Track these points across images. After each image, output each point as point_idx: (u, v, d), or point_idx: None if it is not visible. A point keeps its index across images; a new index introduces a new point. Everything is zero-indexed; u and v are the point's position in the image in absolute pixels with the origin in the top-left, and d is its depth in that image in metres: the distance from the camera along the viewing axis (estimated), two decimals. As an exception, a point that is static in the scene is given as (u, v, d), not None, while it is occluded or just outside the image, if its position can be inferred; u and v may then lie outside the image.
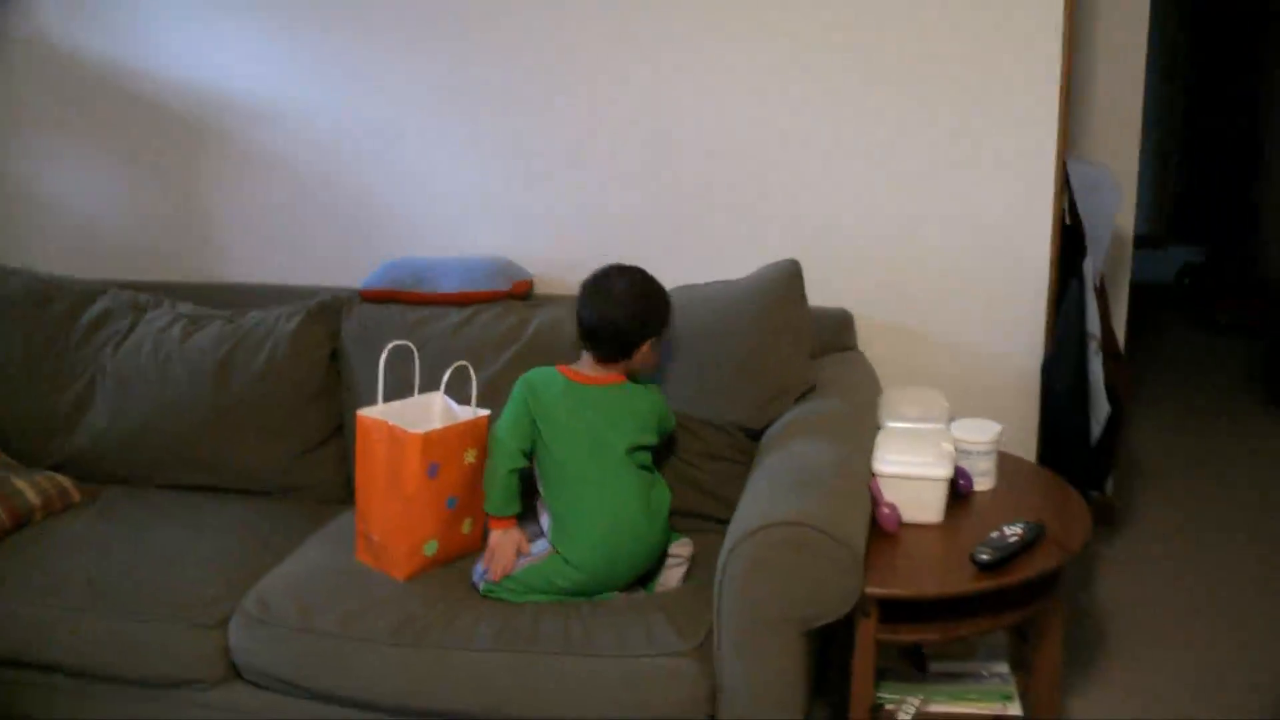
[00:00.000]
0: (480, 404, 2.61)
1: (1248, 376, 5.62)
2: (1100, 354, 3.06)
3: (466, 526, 2.54)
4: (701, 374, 2.67)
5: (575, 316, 2.52)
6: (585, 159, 3.17)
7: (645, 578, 2.48)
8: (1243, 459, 4.61)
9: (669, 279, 2.63)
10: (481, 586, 2.41)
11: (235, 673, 2.44)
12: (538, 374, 2.52)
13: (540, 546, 2.48)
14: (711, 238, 3.13)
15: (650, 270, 2.58)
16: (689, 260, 3.10)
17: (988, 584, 2.18)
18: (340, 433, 2.99)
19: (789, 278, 2.76)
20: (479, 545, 2.57)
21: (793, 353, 2.71)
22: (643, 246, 3.16)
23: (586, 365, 2.52)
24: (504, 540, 2.44)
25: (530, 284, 3.11)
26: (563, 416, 2.45)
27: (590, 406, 2.47)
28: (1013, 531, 2.27)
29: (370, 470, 2.48)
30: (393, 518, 2.43)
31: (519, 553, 2.46)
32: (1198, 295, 6.98)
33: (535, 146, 3.19)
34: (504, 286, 3.03)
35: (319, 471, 2.96)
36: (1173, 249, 8.35)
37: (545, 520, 2.48)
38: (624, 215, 3.17)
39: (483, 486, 2.48)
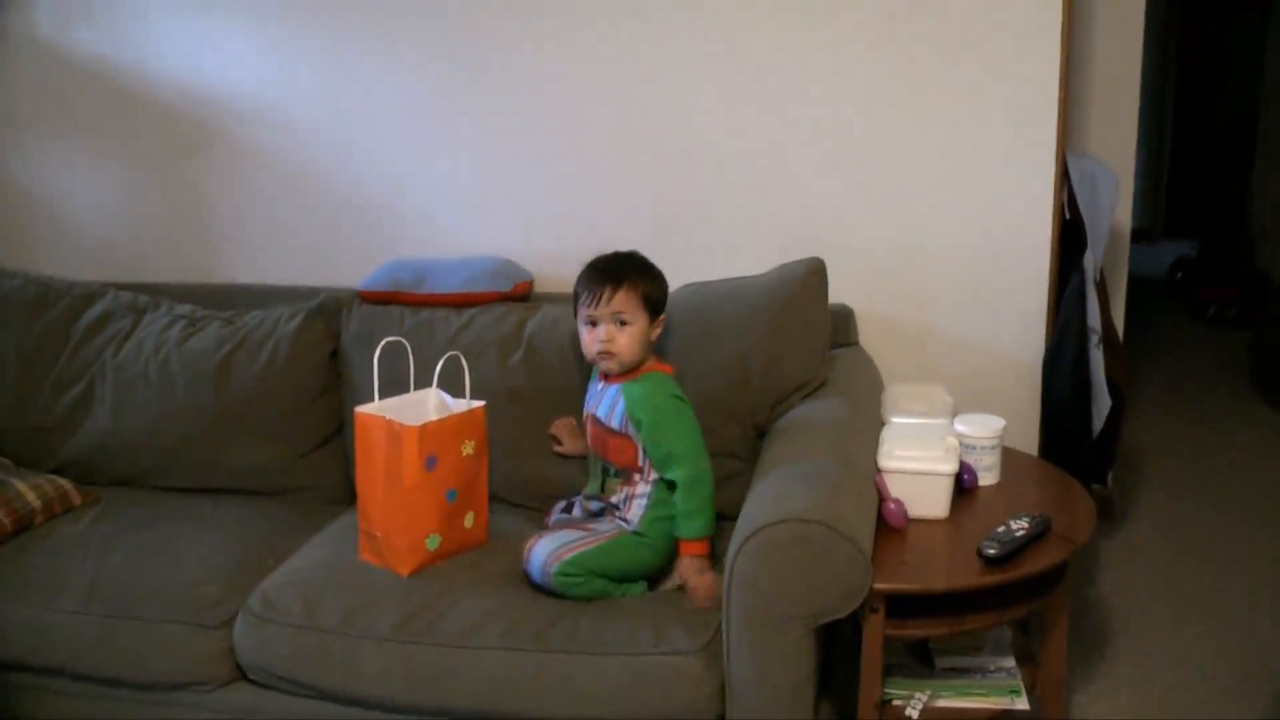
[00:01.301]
0: (475, 397, 2.59)
1: (1237, 368, 5.63)
2: (1101, 348, 3.05)
3: (469, 520, 2.53)
4: (719, 371, 2.65)
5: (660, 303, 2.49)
6: (586, 157, 3.15)
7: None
8: (1233, 449, 4.61)
9: (670, 276, 2.62)
10: (556, 568, 2.28)
11: (240, 673, 2.43)
12: (673, 385, 2.45)
13: (608, 527, 2.43)
14: (712, 234, 3.12)
15: (660, 270, 2.58)
16: (690, 257, 3.08)
17: (995, 578, 2.18)
18: (341, 433, 2.97)
19: (810, 275, 2.74)
20: (483, 539, 2.56)
21: (810, 351, 2.70)
22: (643, 244, 3.12)
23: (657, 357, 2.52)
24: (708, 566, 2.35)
25: (530, 284, 3.10)
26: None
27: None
28: (1018, 525, 2.27)
29: (370, 466, 2.47)
30: (393, 512, 2.41)
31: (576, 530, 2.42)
32: (1190, 289, 6.98)
33: (536, 145, 3.17)
34: (504, 287, 3.01)
35: (321, 471, 2.95)
36: (1165, 243, 8.37)
37: (640, 507, 2.42)
38: (624, 213, 3.16)
39: (699, 512, 2.34)
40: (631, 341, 2.41)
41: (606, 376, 2.50)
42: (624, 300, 2.40)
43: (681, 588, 2.35)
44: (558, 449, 2.76)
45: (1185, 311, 6.88)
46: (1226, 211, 7.75)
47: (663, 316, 2.49)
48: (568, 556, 2.30)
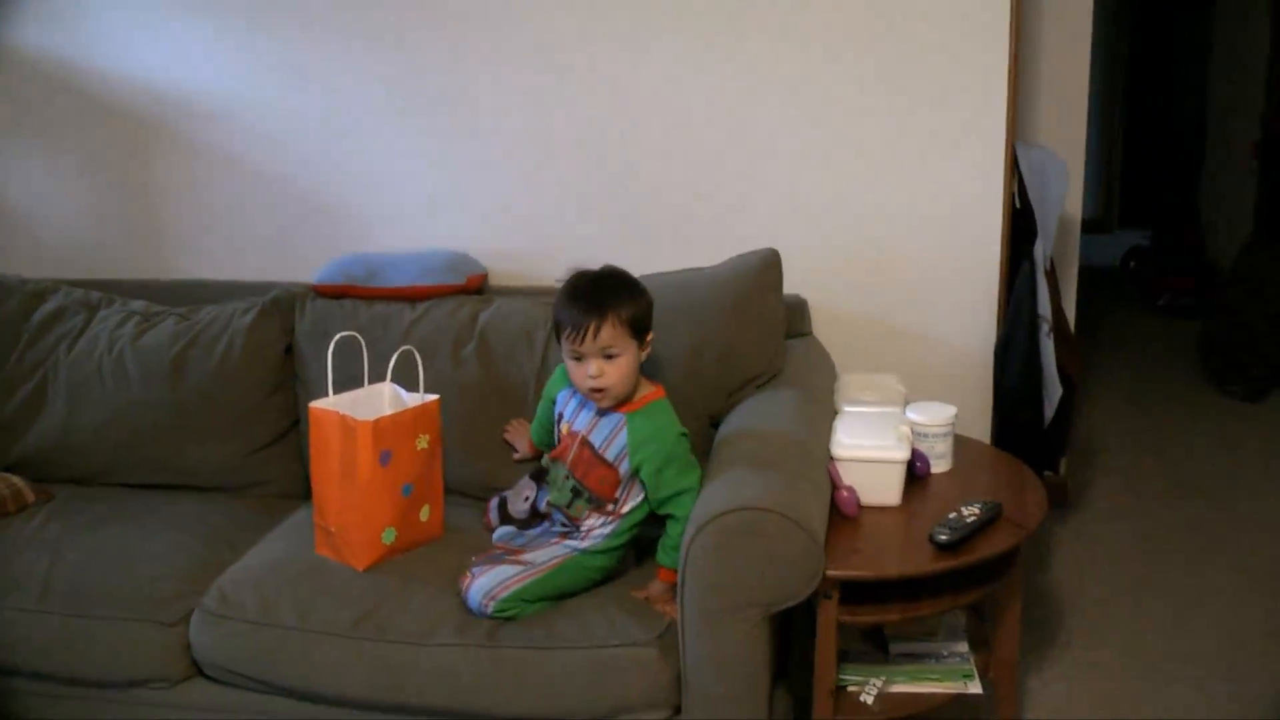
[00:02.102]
0: (428, 390, 2.59)
1: (1189, 357, 5.70)
2: (1052, 336, 3.08)
3: (424, 514, 2.54)
4: (673, 362, 2.66)
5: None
6: (539, 150, 3.16)
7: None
8: (1186, 437, 4.67)
9: (632, 269, 2.62)
10: (492, 607, 2.26)
11: (197, 670, 2.42)
12: (674, 417, 2.41)
13: (551, 554, 2.37)
14: (667, 226, 3.13)
15: (604, 259, 2.56)
16: (645, 249, 3.09)
17: (947, 564, 2.20)
18: (297, 428, 2.97)
19: (765, 266, 2.75)
20: (438, 533, 2.57)
21: (765, 342, 2.72)
22: (597, 236, 3.16)
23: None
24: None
25: (484, 277, 3.10)
26: None
27: None
28: (970, 512, 2.29)
29: (324, 462, 2.47)
30: (349, 507, 2.42)
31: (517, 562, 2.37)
32: (1143, 278, 7.05)
33: (490, 138, 3.17)
34: (458, 280, 3.01)
35: (276, 467, 2.94)
36: (1119, 233, 8.45)
37: (602, 535, 2.36)
38: (579, 207, 3.17)
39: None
40: (622, 374, 2.32)
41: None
42: (610, 334, 2.28)
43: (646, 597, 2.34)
44: (517, 457, 2.76)
45: (1139, 301, 6.94)
46: (1178, 202, 7.83)
47: (650, 335, 2.39)
48: (503, 595, 2.26)
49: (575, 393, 2.47)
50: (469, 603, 2.28)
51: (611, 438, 2.38)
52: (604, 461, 2.38)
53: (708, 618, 2.10)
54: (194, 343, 2.94)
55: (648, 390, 2.42)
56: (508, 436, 2.78)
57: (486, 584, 2.28)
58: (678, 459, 2.35)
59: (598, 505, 2.40)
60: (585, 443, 2.41)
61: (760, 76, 3.01)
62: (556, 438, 2.52)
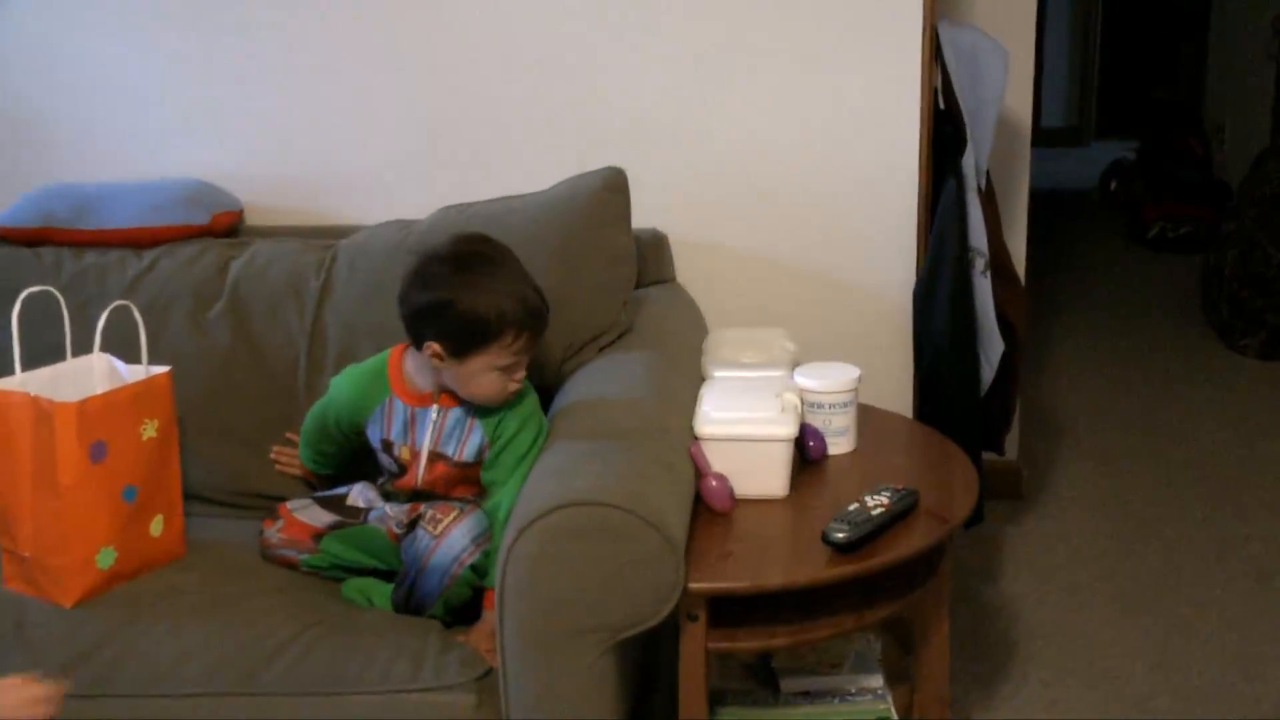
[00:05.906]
0: (159, 363, 2.59)
1: (1186, 302, 5.83)
2: (989, 275, 3.13)
3: (155, 527, 2.53)
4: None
5: None
6: (318, 54, 3.18)
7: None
8: (1181, 407, 4.79)
9: (432, 197, 2.64)
10: (302, 560, 2.54)
11: None
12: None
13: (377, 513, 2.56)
14: (487, 149, 3.17)
15: (412, 192, 2.57)
16: (456, 174, 3.13)
17: (846, 570, 2.23)
18: (-20, 424, 2.95)
19: (605, 192, 2.80)
20: (178, 551, 2.58)
21: (609, 289, 2.77)
22: (395, 163, 3.17)
23: None
24: None
25: (238, 215, 3.12)
26: None
27: None
28: (876, 502, 2.33)
29: (12, 462, 2.42)
30: (48, 522, 2.40)
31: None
32: (1128, 202, 7.15)
33: (247, 37, 3.17)
34: (200, 219, 3.03)
35: (-51, 481, 2.91)
36: (1096, 145, 8.59)
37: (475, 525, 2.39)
38: (369, 120, 3.19)
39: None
40: None
41: (434, 399, 2.50)
42: None
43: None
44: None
45: (1123, 232, 7.06)
46: (1175, 103, 7.96)
47: None
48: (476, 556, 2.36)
49: (398, 404, 2.53)
50: (442, 555, 2.35)
51: (465, 437, 2.48)
52: (466, 465, 2.49)
53: (535, 649, 2.13)
54: None
55: None
56: (284, 468, 2.81)
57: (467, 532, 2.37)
58: (536, 439, 2.44)
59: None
60: (437, 456, 2.50)
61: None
62: (391, 466, 2.58)
